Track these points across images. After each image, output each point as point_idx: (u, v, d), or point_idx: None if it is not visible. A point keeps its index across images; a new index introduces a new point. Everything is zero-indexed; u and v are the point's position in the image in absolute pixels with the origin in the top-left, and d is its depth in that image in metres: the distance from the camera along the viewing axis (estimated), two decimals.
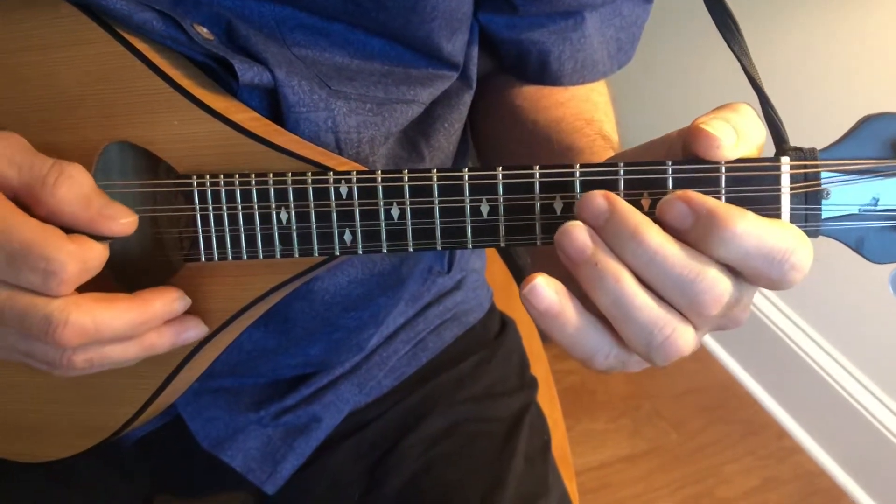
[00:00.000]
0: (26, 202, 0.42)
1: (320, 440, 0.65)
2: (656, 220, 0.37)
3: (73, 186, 0.42)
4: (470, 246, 0.41)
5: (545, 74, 0.61)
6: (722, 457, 1.43)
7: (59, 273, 0.40)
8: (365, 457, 0.65)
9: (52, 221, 0.42)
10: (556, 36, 0.59)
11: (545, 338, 0.89)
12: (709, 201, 0.36)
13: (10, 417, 0.52)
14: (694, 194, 0.36)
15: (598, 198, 0.37)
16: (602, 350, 0.38)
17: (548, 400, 0.78)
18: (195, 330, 0.46)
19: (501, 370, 0.72)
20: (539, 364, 0.81)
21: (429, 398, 0.68)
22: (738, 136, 0.37)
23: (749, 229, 0.35)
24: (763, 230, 0.35)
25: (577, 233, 0.37)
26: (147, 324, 0.44)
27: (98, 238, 0.42)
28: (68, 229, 0.42)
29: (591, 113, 0.59)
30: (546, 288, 0.37)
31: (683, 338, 0.37)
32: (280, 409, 0.64)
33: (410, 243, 0.42)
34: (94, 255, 0.42)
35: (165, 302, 0.44)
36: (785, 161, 0.37)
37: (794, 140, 0.39)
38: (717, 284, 0.36)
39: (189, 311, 0.46)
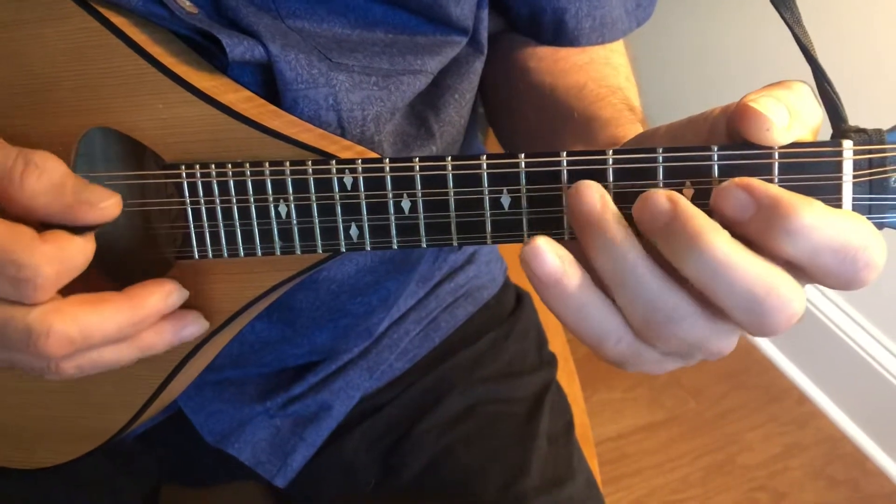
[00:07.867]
0: None
1: (331, 428, 0.62)
2: (709, 213, 0.32)
3: (43, 176, 0.37)
4: (489, 242, 0.37)
5: (561, 34, 0.56)
6: (742, 424, 1.41)
7: (34, 279, 0.36)
8: (379, 443, 0.62)
9: (29, 218, 0.38)
10: None
11: None
12: (772, 189, 0.31)
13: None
14: (755, 181, 0.32)
15: (661, 198, 0.32)
16: (612, 333, 0.34)
17: (566, 375, 0.76)
18: (195, 325, 0.42)
19: (519, 347, 0.69)
20: (556, 339, 0.78)
21: (444, 380, 0.65)
22: (791, 117, 0.33)
23: (817, 222, 0.31)
24: (834, 223, 0.31)
25: (590, 191, 0.33)
26: (141, 324, 0.40)
27: (81, 230, 0.38)
28: (48, 225, 0.38)
29: (614, 78, 0.54)
30: (548, 251, 0.33)
31: (726, 340, 0.34)
32: (287, 398, 0.61)
33: (424, 239, 0.38)
34: (74, 253, 0.37)
35: (159, 297, 0.41)
36: (847, 145, 0.33)
37: (852, 120, 0.34)
38: (792, 302, 0.31)
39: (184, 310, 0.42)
